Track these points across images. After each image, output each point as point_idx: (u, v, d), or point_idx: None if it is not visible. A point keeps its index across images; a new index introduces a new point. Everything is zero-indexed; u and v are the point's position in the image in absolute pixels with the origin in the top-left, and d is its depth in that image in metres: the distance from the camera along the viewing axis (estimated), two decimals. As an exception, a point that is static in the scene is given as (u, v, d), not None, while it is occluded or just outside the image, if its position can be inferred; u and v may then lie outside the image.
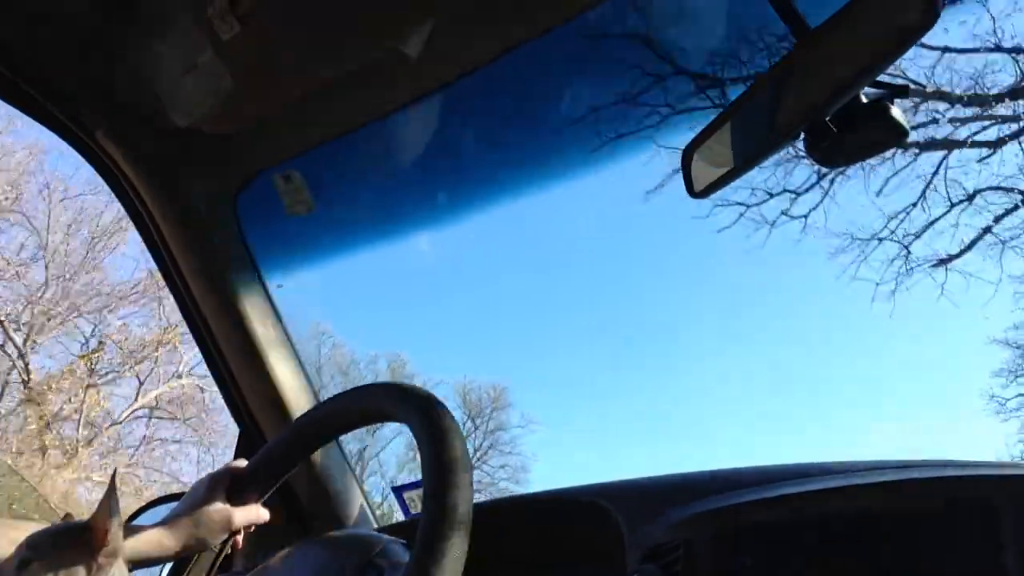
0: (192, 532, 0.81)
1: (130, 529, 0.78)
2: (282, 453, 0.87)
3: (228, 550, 0.88)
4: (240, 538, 0.88)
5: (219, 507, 0.83)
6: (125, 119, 1.08)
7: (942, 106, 5.92)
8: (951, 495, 0.72)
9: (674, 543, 0.81)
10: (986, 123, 6.05)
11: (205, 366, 1.32)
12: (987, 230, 6.40)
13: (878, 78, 0.64)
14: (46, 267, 12.90)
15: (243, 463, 0.90)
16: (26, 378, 12.52)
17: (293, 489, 1.30)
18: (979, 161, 6.12)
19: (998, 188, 6.20)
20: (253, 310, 1.24)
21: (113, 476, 0.73)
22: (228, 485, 0.85)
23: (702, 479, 0.98)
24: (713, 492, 0.90)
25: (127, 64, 1.00)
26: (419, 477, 0.68)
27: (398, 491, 1.54)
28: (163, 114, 1.04)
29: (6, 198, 12.36)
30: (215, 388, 1.30)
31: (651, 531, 0.88)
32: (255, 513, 0.87)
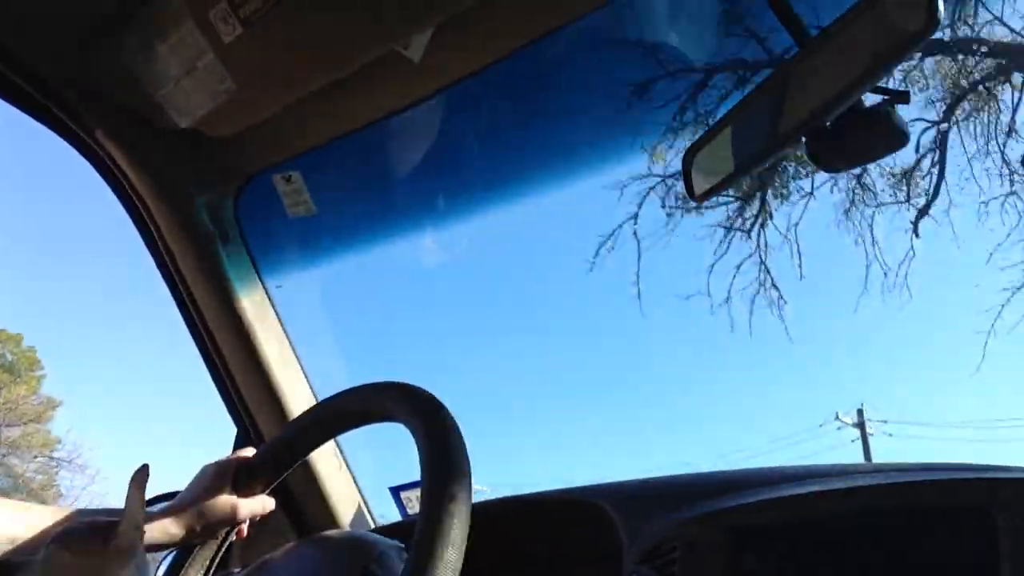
0: (197, 520, 0.81)
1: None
2: (288, 446, 0.87)
3: (232, 539, 0.88)
4: (244, 528, 0.88)
5: (224, 496, 0.83)
6: (126, 119, 1.08)
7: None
8: (950, 498, 0.73)
9: (672, 544, 0.81)
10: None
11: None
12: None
13: (879, 84, 0.64)
14: None
15: (250, 451, 0.90)
16: None
17: (290, 487, 1.30)
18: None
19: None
20: (252, 310, 1.24)
21: (140, 471, 0.68)
22: (234, 474, 0.85)
23: (701, 480, 0.98)
24: (712, 494, 0.90)
25: (128, 65, 1.00)
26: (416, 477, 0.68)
27: (395, 491, 1.54)
28: (164, 115, 1.04)
29: None
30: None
31: (649, 532, 0.88)
32: (260, 504, 0.87)
